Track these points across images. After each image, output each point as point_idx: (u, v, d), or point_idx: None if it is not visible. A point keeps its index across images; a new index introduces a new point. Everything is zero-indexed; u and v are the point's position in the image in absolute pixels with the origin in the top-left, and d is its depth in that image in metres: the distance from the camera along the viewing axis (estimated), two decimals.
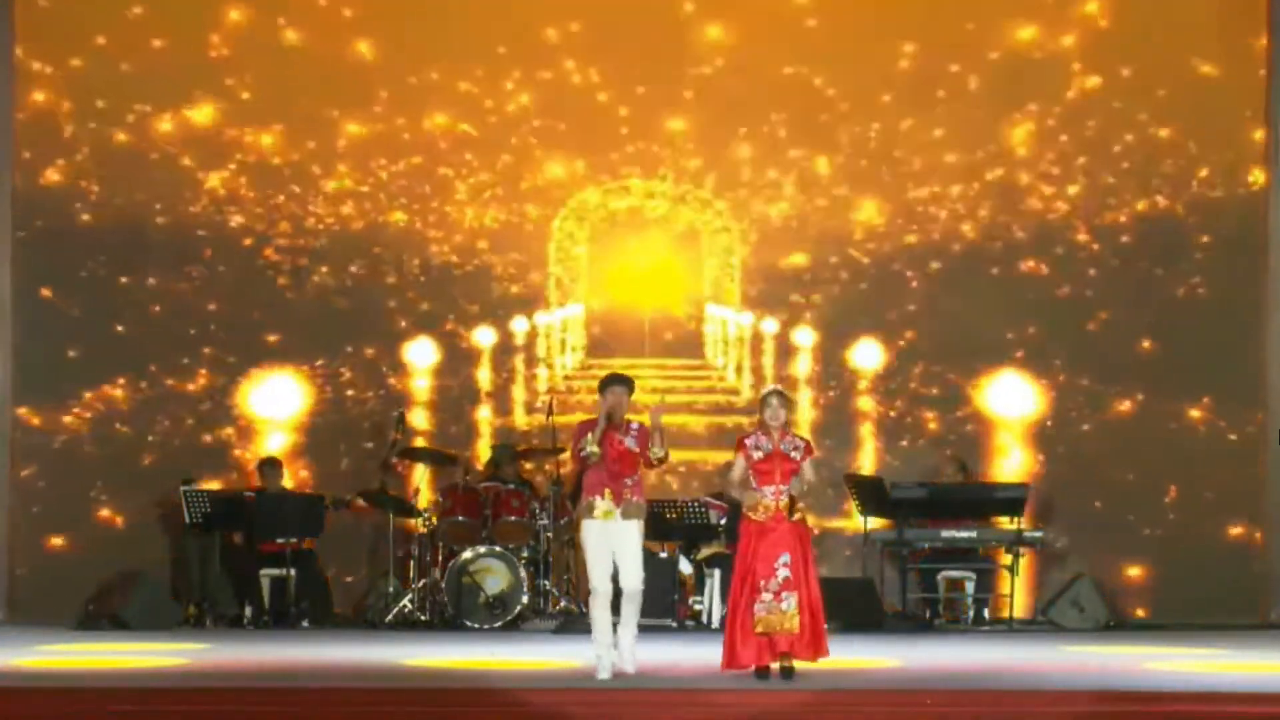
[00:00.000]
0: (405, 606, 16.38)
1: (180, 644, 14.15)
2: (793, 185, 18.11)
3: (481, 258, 18.09)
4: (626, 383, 12.29)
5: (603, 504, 12.18)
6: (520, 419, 17.94)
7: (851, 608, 15.85)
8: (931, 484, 17.02)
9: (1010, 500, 16.60)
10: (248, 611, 16.44)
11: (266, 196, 17.99)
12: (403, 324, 17.97)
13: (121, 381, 17.75)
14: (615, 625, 12.34)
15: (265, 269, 17.97)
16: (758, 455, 12.02)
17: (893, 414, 17.91)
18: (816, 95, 18.02)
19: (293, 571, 16.40)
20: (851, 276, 18.06)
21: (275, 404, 17.86)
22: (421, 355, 18.02)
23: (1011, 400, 17.87)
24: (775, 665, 11.88)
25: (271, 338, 17.89)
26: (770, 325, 18.10)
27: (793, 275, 18.07)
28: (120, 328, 17.77)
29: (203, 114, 17.90)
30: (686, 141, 18.12)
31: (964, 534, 16.56)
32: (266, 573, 16.51)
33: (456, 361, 18.00)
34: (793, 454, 12.07)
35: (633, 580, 12.15)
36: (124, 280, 17.81)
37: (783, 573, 11.87)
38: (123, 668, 12.62)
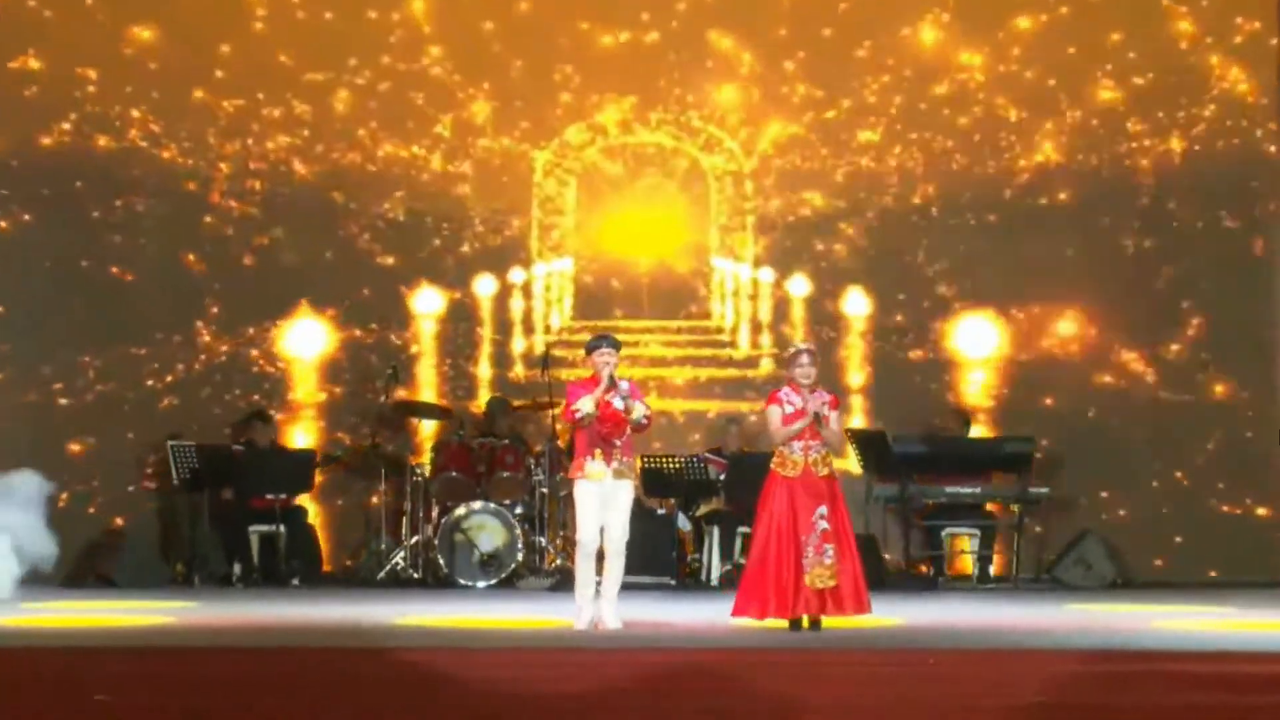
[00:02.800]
0: (397, 564, 16.42)
1: (168, 602, 14.17)
2: (815, 119, 17.31)
3: (455, 204, 17.33)
4: (616, 344, 12.44)
5: (594, 465, 12.38)
6: (483, 398, 17.30)
7: None
8: (935, 439, 17.05)
9: (1016, 455, 16.62)
10: (236, 569, 16.48)
11: (204, 135, 17.25)
12: (365, 280, 17.38)
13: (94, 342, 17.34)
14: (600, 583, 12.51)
15: (204, 217, 17.34)
16: (789, 410, 12.19)
17: (927, 381, 17.48)
18: (846, 15, 17.35)
19: (282, 528, 16.44)
20: (883, 224, 17.41)
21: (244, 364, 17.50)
22: (383, 316, 17.39)
23: (1041, 355, 17.65)
24: (805, 619, 12.19)
25: (216, 295, 17.33)
26: (801, 285, 17.36)
27: (814, 223, 17.39)
28: (86, 281, 17.29)
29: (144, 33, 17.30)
30: (694, 71, 17.27)
31: (968, 490, 16.59)
32: (256, 529, 16.54)
33: (424, 322, 17.42)
34: (821, 410, 12.38)
35: (618, 538, 12.41)
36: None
37: (821, 525, 12.23)
38: (110, 626, 12.66)
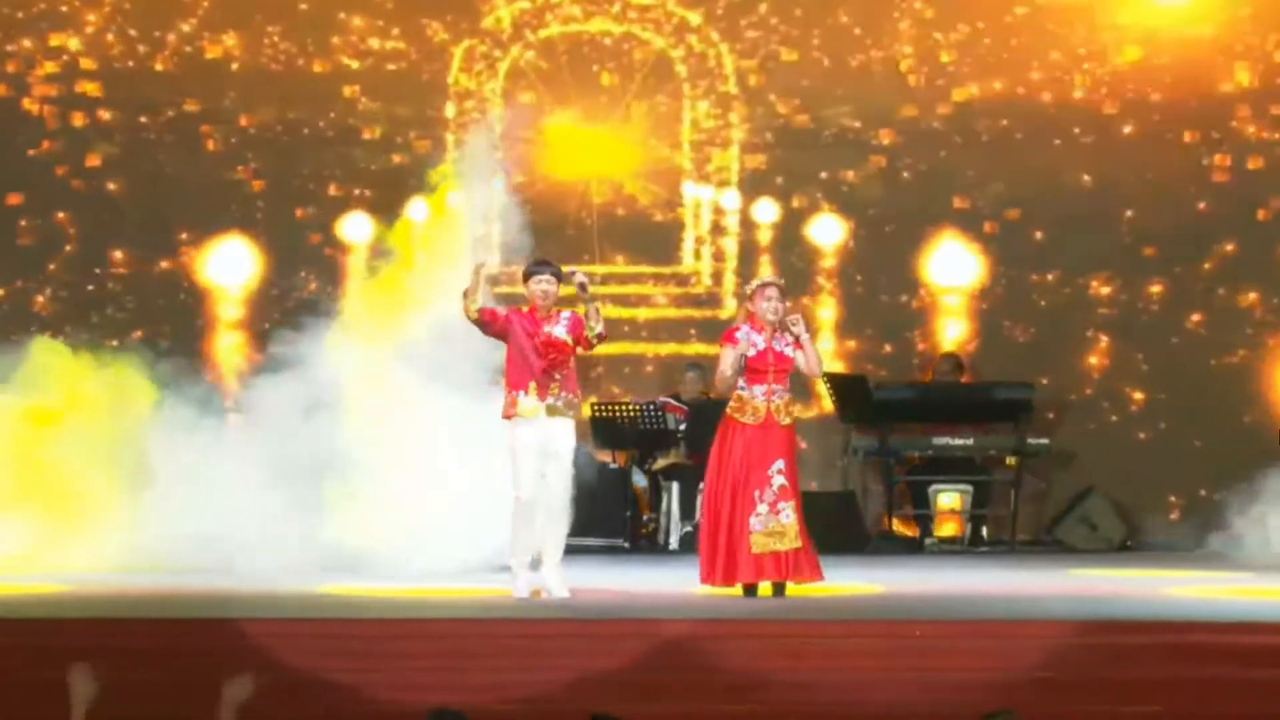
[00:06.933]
0: None
1: (55, 569, 14.14)
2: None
3: (345, 111, 16.20)
4: (557, 272, 12.33)
5: (527, 400, 12.25)
6: None
7: (831, 526, 15.92)
8: (922, 384, 17.07)
9: (1013, 403, 16.65)
10: None
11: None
12: (231, 212, 16.43)
13: None
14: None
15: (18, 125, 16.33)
16: (751, 352, 12.14)
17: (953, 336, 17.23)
18: None
19: None
20: (908, 142, 16.78)
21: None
22: (246, 258, 16.50)
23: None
24: (765, 584, 12.17)
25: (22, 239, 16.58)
26: (826, 226, 16.76)
27: (818, 140, 16.68)
28: None
29: None
30: None
31: (959, 442, 16.63)
32: None
33: (305, 266, 16.48)
34: (787, 351, 12.30)
35: (559, 492, 12.32)
36: None
37: (778, 480, 12.18)
38: None
